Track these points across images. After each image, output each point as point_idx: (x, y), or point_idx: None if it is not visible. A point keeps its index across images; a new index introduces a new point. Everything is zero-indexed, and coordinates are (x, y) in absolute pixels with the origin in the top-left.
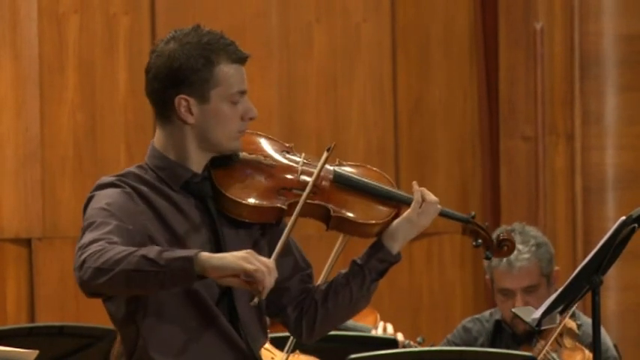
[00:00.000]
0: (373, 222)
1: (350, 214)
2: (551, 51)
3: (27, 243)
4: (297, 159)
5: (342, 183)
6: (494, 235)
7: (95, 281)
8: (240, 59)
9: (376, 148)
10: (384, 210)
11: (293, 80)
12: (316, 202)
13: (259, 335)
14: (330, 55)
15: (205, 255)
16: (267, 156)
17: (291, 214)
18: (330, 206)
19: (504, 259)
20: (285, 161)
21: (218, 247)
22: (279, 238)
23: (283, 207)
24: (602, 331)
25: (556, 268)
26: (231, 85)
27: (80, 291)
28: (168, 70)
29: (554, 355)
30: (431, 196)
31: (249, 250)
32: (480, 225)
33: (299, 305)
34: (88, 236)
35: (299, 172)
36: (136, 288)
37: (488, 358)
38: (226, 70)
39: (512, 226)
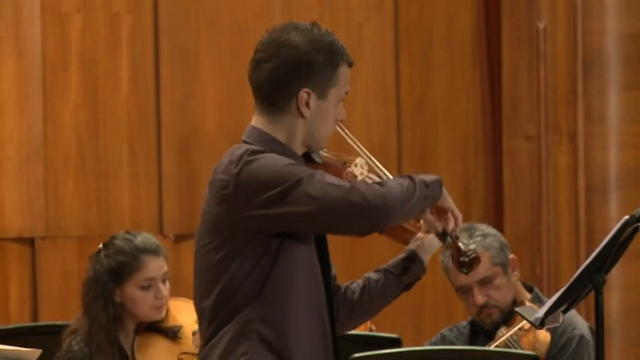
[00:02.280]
0: (415, 230)
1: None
2: (554, 50)
3: (30, 242)
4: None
5: None
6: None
7: (399, 214)
8: (352, 63)
9: (379, 146)
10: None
11: None
12: None
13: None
14: None
15: None
16: (341, 160)
17: None
18: None
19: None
20: (352, 167)
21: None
22: None
23: None
24: (573, 311)
25: (511, 256)
26: (343, 87)
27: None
28: (298, 61)
29: (515, 338)
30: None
31: None
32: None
33: None
34: (335, 189)
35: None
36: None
37: (489, 357)
38: (344, 71)
39: (462, 226)
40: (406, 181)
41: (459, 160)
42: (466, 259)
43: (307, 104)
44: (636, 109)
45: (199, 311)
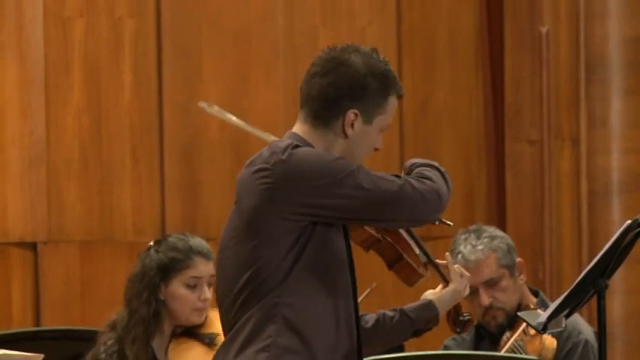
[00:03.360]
0: (423, 274)
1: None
2: (557, 54)
3: (32, 246)
4: None
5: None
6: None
7: (446, 202)
8: (401, 96)
9: (381, 150)
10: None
11: (299, 83)
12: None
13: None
14: None
15: None
16: None
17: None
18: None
19: (459, 256)
20: None
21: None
22: None
23: (379, 238)
24: (577, 316)
25: (518, 259)
26: (389, 117)
27: (85, 294)
28: (353, 81)
29: (520, 344)
30: (465, 272)
31: None
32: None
33: None
34: (387, 182)
35: None
36: None
37: None
38: (393, 102)
39: (470, 228)
40: (437, 172)
41: (461, 163)
42: (462, 319)
43: (352, 125)
44: (639, 113)
45: (224, 304)
